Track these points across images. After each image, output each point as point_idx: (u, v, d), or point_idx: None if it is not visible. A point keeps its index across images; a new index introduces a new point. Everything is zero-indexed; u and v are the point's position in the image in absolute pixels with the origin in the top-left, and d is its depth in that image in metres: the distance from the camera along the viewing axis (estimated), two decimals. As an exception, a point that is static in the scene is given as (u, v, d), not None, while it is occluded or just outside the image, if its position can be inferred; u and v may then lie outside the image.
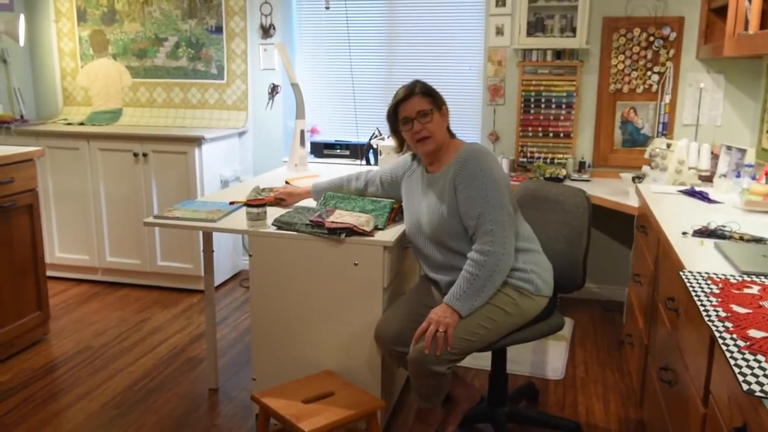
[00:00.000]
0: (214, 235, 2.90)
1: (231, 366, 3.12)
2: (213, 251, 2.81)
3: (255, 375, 2.51)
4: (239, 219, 2.49)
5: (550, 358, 3.20)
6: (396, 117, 2.28)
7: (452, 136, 2.33)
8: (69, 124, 4.44)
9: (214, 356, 2.89)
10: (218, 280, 4.16)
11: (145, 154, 3.98)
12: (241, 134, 4.38)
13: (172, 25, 4.37)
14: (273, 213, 2.52)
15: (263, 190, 2.74)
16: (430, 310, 2.26)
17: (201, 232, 3.26)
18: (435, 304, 2.28)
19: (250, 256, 2.40)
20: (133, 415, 2.68)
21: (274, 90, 4.33)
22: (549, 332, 2.31)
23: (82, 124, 4.47)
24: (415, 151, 2.34)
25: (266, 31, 4.26)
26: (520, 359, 3.14)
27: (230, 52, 4.31)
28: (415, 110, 2.22)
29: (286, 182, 3.21)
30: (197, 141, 3.91)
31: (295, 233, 2.33)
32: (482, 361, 3.03)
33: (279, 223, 2.37)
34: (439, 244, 2.23)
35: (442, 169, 2.26)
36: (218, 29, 4.30)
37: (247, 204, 2.38)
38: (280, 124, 4.39)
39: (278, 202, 2.66)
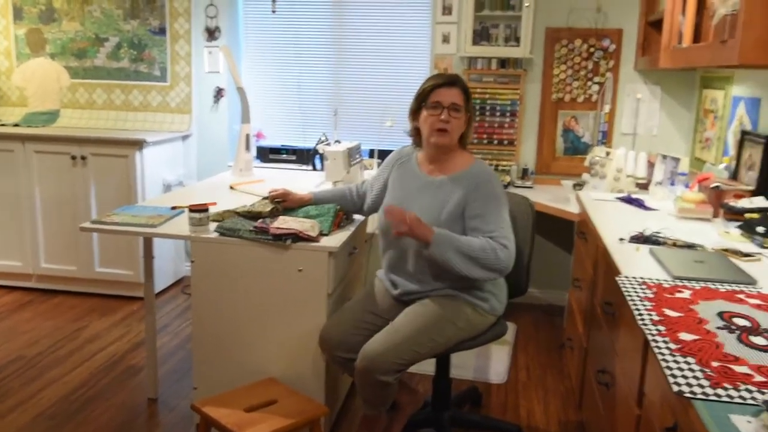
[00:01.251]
0: (156, 240, 2.83)
1: (171, 375, 3.05)
2: (153, 257, 2.74)
3: (196, 384, 2.46)
4: (181, 224, 2.44)
5: (493, 362, 3.24)
6: (426, 97, 2.21)
7: (464, 146, 2.30)
8: (3, 125, 4.27)
9: (154, 365, 2.82)
10: (159, 286, 4.07)
11: (83, 157, 3.87)
12: (184, 138, 4.30)
13: (114, 25, 4.26)
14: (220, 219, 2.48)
15: (265, 198, 2.61)
16: (375, 317, 2.27)
17: (141, 238, 3.18)
18: (380, 312, 2.28)
19: (192, 262, 2.36)
20: (69, 426, 2.58)
21: (219, 93, 4.27)
22: (493, 339, 2.34)
23: (16, 125, 4.31)
24: (426, 138, 2.24)
25: (211, 34, 4.19)
26: (463, 364, 3.17)
27: (174, 54, 4.23)
28: (451, 100, 2.17)
29: (231, 187, 3.17)
30: (139, 144, 3.82)
31: (238, 239, 2.30)
32: (426, 366, 3.04)
33: (222, 230, 2.33)
34: (421, 247, 2.17)
35: (446, 176, 2.23)
36: (161, 30, 4.21)
37: (190, 209, 2.34)
38: (225, 128, 4.33)
39: (276, 206, 2.50)
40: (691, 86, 3.74)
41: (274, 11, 4.10)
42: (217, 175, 3.68)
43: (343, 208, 2.51)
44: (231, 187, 3.17)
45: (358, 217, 2.61)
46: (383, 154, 3.95)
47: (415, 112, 2.28)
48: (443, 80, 2.21)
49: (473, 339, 2.25)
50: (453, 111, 2.18)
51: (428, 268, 2.19)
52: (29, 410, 2.70)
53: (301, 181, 3.36)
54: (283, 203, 2.52)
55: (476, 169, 2.21)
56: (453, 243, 2.05)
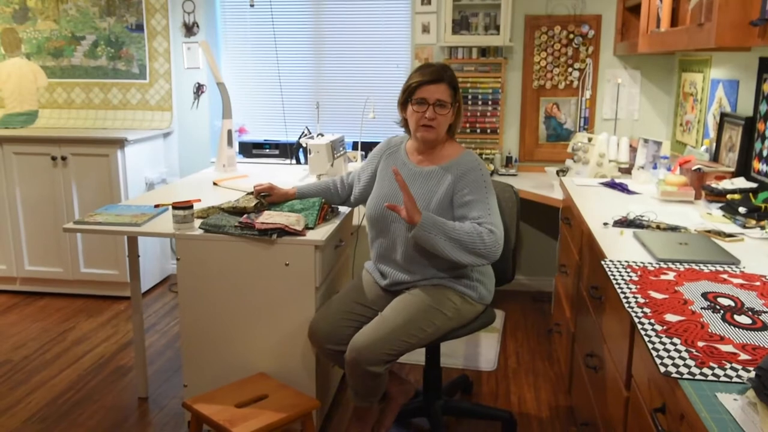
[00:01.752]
0: (140, 239, 2.81)
1: (161, 374, 3.03)
2: (139, 256, 2.72)
3: (186, 381, 2.45)
4: (165, 222, 2.43)
5: (483, 350, 3.26)
6: (412, 93, 2.20)
7: (452, 136, 2.31)
8: (-21, 127, 4.22)
9: (143, 364, 2.81)
10: (146, 285, 4.05)
11: (64, 158, 3.83)
12: (166, 135, 4.27)
13: (90, 23, 4.21)
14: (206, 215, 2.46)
15: (249, 194, 2.59)
16: (363, 308, 2.27)
17: (126, 237, 3.16)
18: (368, 303, 2.29)
19: (177, 259, 2.35)
20: (58, 429, 2.57)
21: (199, 89, 4.24)
22: (481, 327, 2.35)
23: (-6, 127, 4.25)
24: (413, 132, 2.25)
25: (189, 29, 4.16)
26: (453, 352, 3.18)
27: (152, 51, 4.19)
28: (436, 97, 2.17)
29: (214, 183, 3.15)
30: (119, 143, 3.78)
31: (224, 235, 2.29)
32: (416, 356, 3.05)
33: (207, 226, 2.32)
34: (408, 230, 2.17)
35: (435, 166, 2.23)
36: (139, 27, 4.17)
37: (174, 206, 2.32)
38: (207, 125, 4.30)
39: (260, 201, 2.48)
40: (670, 70, 3.77)
41: (252, 5, 4.07)
42: (200, 171, 3.66)
43: (328, 201, 2.51)
44: (214, 184, 3.16)
45: (343, 209, 2.61)
46: (367, 146, 3.95)
47: (403, 105, 2.28)
48: (428, 77, 2.19)
49: (462, 327, 2.26)
50: (439, 107, 2.18)
51: (417, 258, 2.20)
52: (18, 414, 2.68)
53: (285, 176, 3.35)
54: (268, 198, 2.51)
55: (465, 159, 2.22)
56: (440, 226, 2.05)
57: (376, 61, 4.15)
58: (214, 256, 2.32)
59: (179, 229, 2.32)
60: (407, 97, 2.24)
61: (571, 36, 3.82)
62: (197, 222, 2.37)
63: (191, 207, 2.34)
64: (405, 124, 2.32)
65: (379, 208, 2.28)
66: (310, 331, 2.27)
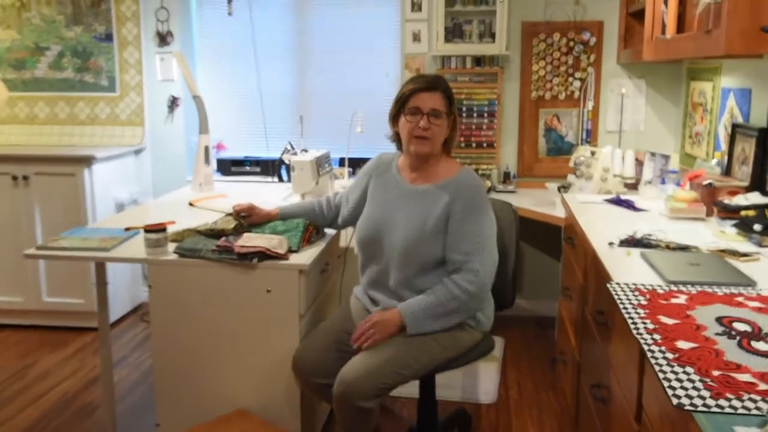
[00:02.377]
0: (109, 265, 2.79)
1: (131, 411, 3.00)
2: (107, 283, 2.70)
3: (159, 420, 2.43)
4: (137, 246, 2.41)
5: (482, 380, 3.24)
6: (405, 102, 2.22)
7: (448, 152, 2.32)
8: (-66, 145, 4.20)
9: (111, 401, 2.77)
10: (115, 315, 4.01)
11: (25, 177, 3.81)
12: (137, 152, 4.26)
13: (55, 33, 4.22)
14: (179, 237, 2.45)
15: (228, 215, 2.58)
16: (350, 337, 2.26)
17: (93, 263, 3.13)
18: (355, 331, 2.28)
19: (150, 287, 2.33)
20: (18, 475, 2.53)
21: (173, 103, 4.24)
22: (480, 356, 2.34)
23: (-50, 144, 4.23)
24: (405, 146, 2.26)
25: (163, 39, 4.17)
26: (450, 383, 3.17)
27: (122, 62, 4.19)
28: (430, 106, 2.18)
29: (190, 204, 3.14)
30: (87, 161, 3.77)
31: (200, 260, 2.28)
32: (410, 388, 3.02)
33: (182, 250, 2.31)
34: (407, 261, 2.20)
35: (430, 185, 2.24)
36: (108, 37, 4.18)
37: (146, 229, 2.31)
38: (182, 141, 4.30)
39: (240, 222, 2.48)
40: (678, 79, 3.81)
41: (230, 13, 4.09)
42: (174, 191, 3.64)
43: (313, 223, 2.51)
44: (190, 204, 3.15)
45: (329, 231, 2.60)
46: (354, 163, 3.95)
47: (394, 117, 2.29)
48: (423, 84, 2.21)
49: (460, 357, 2.26)
50: (433, 117, 2.19)
51: (411, 284, 2.20)
52: (-26, 459, 2.64)
53: (267, 195, 3.35)
54: (248, 219, 2.51)
55: (463, 178, 2.23)
56: (424, 315, 2.13)
57: (364, 71, 4.17)
58: (189, 283, 2.31)
59: (152, 254, 2.30)
60: (399, 107, 2.25)
61: (572, 44, 3.86)
62: (171, 246, 2.36)
63: (165, 230, 2.33)
64: (397, 138, 2.33)
65: (370, 231, 2.28)
66: (294, 362, 2.26)
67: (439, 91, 2.21)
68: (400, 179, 2.33)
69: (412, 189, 2.27)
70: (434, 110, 2.19)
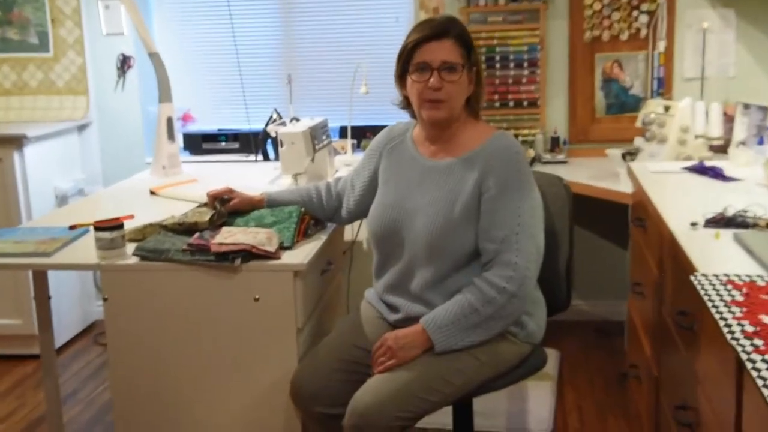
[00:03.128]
0: (52, 274, 2.80)
1: (88, 459, 3.03)
2: (50, 298, 2.72)
3: (123, 468, 2.45)
4: (86, 249, 2.42)
5: (532, 405, 3.25)
6: (409, 58, 2.22)
7: (475, 114, 2.31)
8: None
9: (63, 447, 2.80)
10: (62, 338, 4.04)
11: (-59, 166, 3.83)
12: (81, 128, 4.27)
13: (-31, -22, 4.23)
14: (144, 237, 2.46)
15: (202, 205, 2.60)
16: (364, 354, 2.27)
17: (30, 272, 3.15)
18: (368, 346, 2.28)
19: (105, 300, 2.34)
20: None
21: (124, 63, 4.25)
22: (529, 374, 2.34)
23: None
24: (417, 112, 2.27)
25: (108, -19, 4.18)
26: (491, 410, 3.17)
27: (56, 12, 4.20)
28: (441, 59, 2.17)
29: (152, 192, 3.16)
30: (16, 141, 3.79)
31: (167, 263, 2.29)
32: (441, 417, 3.03)
33: (144, 252, 2.32)
34: (433, 256, 2.20)
35: (455, 158, 2.24)
36: (36, -20, 4.19)
37: (96, 227, 2.32)
38: (138, 112, 4.31)
39: (218, 210, 2.49)
40: (777, 6, 3.77)
41: (193, -56, 4.09)
42: (131, 177, 3.66)
43: (310, 213, 2.52)
44: (152, 193, 3.16)
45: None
46: (359, 133, 3.95)
47: (401, 77, 2.29)
48: (428, 31, 2.21)
49: (502, 376, 2.26)
50: (446, 72, 2.19)
51: (441, 286, 2.20)
52: None
53: (250, 177, 3.35)
54: (228, 205, 2.52)
55: (495, 145, 2.22)
56: (454, 327, 2.12)
57: (368, 16, 4.17)
58: (154, 293, 2.31)
59: (105, 258, 2.31)
60: (404, 65, 2.25)
61: (635, -34, 3.83)
62: (130, 247, 2.37)
63: (121, 226, 2.33)
64: (407, 104, 2.33)
65: (386, 222, 2.28)
66: (293, 388, 2.27)
67: (450, 37, 2.20)
68: (417, 154, 2.33)
69: (434, 165, 2.27)
70: (446, 63, 2.18)
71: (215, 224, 2.45)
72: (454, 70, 2.19)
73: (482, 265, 2.18)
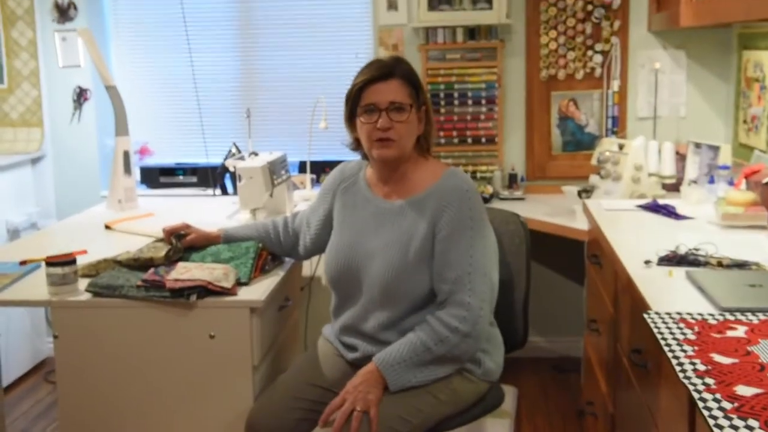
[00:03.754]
0: (0, 311, 2.76)
1: (37, 500, 2.96)
2: None
3: None
4: (36, 285, 2.39)
5: (490, 443, 3.24)
6: (357, 100, 2.23)
7: (427, 151, 2.31)
8: None
9: (10, 488, 2.74)
10: (10, 376, 3.95)
11: None
12: (35, 161, 4.23)
13: (-77, 9, 4.19)
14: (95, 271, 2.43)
15: (158, 241, 2.58)
16: (322, 392, 2.25)
17: (-19, 308, 3.11)
18: (328, 384, 2.27)
19: (55, 337, 2.31)
20: None
21: (81, 96, 4.22)
22: (487, 411, 2.34)
23: None
24: (367, 153, 2.28)
25: (64, 13, 4.15)
26: (449, 449, 3.16)
27: (11, 44, 4.17)
28: (388, 99, 2.19)
29: (107, 227, 3.12)
30: (-31, 174, 3.74)
31: (121, 299, 2.26)
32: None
33: (97, 288, 2.29)
34: (389, 298, 2.20)
35: (408, 198, 2.25)
36: (-9, 11, 4.16)
37: (48, 262, 2.29)
38: (94, 145, 4.28)
39: (174, 245, 2.48)
40: (727, 48, 3.85)
41: (152, -22, 4.09)
42: (85, 210, 3.62)
43: (267, 249, 2.51)
44: (107, 227, 3.12)
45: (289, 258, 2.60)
46: (318, 168, 3.95)
47: (350, 119, 2.31)
48: (375, 72, 2.23)
49: (461, 414, 2.25)
50: (394, 112, 2.20)
51: (397, 327, 2.20)
52: None
53: (208, 212, 3.33)
54: (185, 240, 2.50)
55: (445, 185, 2.23)
56: (405, 365, 2.11)
57: (328, 51, 4.19)
58: (107, 330, 2.29)
59: (57, 294, 2.28)
60: (353, 107, 2.27)
61: (590, 7, 3.90)
62: (83, 283, 2.34)
63: (74, 262, 2.31)
64: (357, 145, 2.34)
65: (342, 266, 2.29)
66: (248, 427, 2.24)
67: (396, 77, 2.22)
68: (371, 195, 2.33)
69: (388, 207, 2.28)
70: (393, 104, 2.20)
71: (171, 260, 2.43)
72: (402, 109, 2.20)
73: (437, 305, 2.18)
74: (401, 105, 2.20)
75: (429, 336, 2.12)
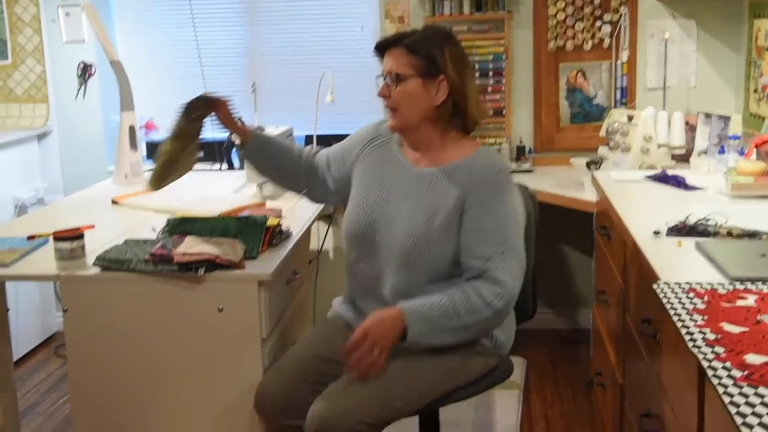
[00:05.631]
0: (9, 285, 2.77)
1: (48, 473, 3.00)
2: (8, 309, 2.69)
3: (84, 483, 2.42)
4: (45, 259, 2.40)
5: (499, 414, 3.26)
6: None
7: (459, 127, 2.29)
8: None
9: (22, 462, 2.77)
10: (21, 350, 3.99)
11: None
12: (41, 137, 4.24)
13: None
14: (100, 245, 2.43)
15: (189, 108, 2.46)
16: (330, 365, 2.26)
17: (-11, 283, 3.13)
18: (337, 357, 2.28)
19: (65, 311, 2.32)
20: None
21: (86, 71, 4.21)
22: (496, 383, 2.35)
23: None
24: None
25: (68, -13, 4.14)
26: (458, 419, 3.18)
27: (14, 20, 4.16)
28: (387, 69, 2.22)
29: (114, 202, 3.13)
30: (-25, 150, 3.75)
31: (129, 273, 2.27)
32: (407, 428, 3.04)
33: (105, 262, 2.30)
34: (407, 265, 2.20)
35: (435, 168, 2.24)
36: (-6, -14, 4.15)
37: (56, 237, 2.30)
38: (99, 120, 4.28)
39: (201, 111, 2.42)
40: (737, 17, 3.82)
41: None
42: (91, 186, 3.62)
43: (285, 174, 2.48)
44: (114, 202, 3.13)
45: (297, 229, 2.60)
46: (325, 141, 3.93)
47: None
48: (381, 42, 2.28)
49: (469, 385, 2.26)
50: (393, 82, 2.21)
51: (413, 294, 2.19)
52: None
53: (215, 186, 3.34)
54: (216, 108, 2.44)
55: (478, 161, 2.22)
56: (431, 323, 2.09)
57: (334, 24, 4.17)
58: (116, 304, 2.30)
59: (65, 269, 2.29)
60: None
61: (598, -23, 3.87)
62: (91, 257, 2.35)
63: (81, 236, 2.32)
64: None
65: (362, 224, 2.27)
66: (257, 399, 2.26)
67: (400, 46, 2.22)
68: (402, 158, 2.32)
69: (417, 173, 2.27)
70: (391, 73, 2.21)
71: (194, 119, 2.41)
72: (403, 80, 2.20)
73: (466, 280, 2.16)
74: (402, 76, 2.20)
75: (462, 302, 2.10)
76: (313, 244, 3.15)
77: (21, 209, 4.01)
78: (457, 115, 2.26)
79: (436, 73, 2.20)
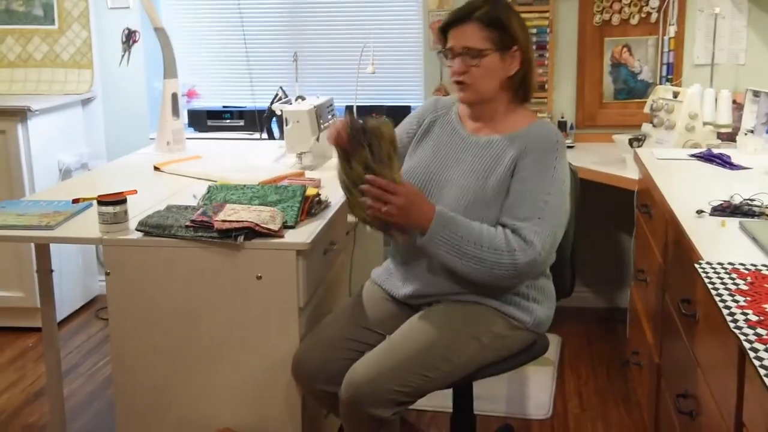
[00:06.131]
0: (54, 248, 2.81)
1: (88, 433, 3.05)
2: (52, 271, 2.73)
3: (122, 443, 2.46)
4: (89, 223, 2.43)
5: (533, 390, 3.26)
6: (445, 40, 2.27)
7: (521, 98, 2.31)
8: None
9: (62, 421, 2.82)
10: (63, 311, 4.06)
11: (-57, 137, 3.84)
12: (85, 102, 4.28)
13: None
14: (142, 211, 2.46)
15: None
16: (367, 333, 2.29)
17: (33, 245, 3.16)
18: (373, 325, 2.30)
19: (107, 274, 2.35)
20: None
21: (130, 38, 4.24)
22: (531, 359, 2.35)
23: None
24: (452, 91, 2.31)
25: (114, -46, 4.16)
26: (491, 394, 3.19)
27: (62, -15, 4.19)
28: (461, 44, 2.21)
29: (156, 168, 3.16)
30: (20, 114, 3.79)
31: (170, 239, 2.30)
32: (440, 399, 3.05)
33: (147, 227, 2.32)
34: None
35: (498, 135, 2.26)
36: (42, -49, 4.18)
37: (100, 201, 2.33)
38: (143, 87, 4.31)
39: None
40: (790, -7, 3.75)
41: None
42: (135, 152, 3.66)
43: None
44: (156, 168, 3.16)
45: (335, 200, 2.60)
46: (366, 111, 3.94)
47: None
48: (452, 16, 2.25)
49: (504, 360, 2.27)
50: (468, 57, 2.20)
51: None
52: None
53: (255, 155, 3.35)
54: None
55: (537, 131, 2.24)
56: (461, 239, 2.08)
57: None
58: (157, 269, 2.32)
59: (108, 233, 2.32)
60: (444, 42, 2.30)
61: (647, -50, 3.81)
62: (133, 222, 2.38)
63: (124, 201, 2.34)
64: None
65: (415, 184, 2.25)
66: (295, 366, 2.28)
67: (473, 21, 2.20)
68: (459, 127, 2.35)
69: (473, 140, 2.29)
70: (466, 48, 2.20)
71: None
72: (478, 55, 2.20)
73: None
74: (477, 50, 2.20)
75: (489, 237, 2.10)
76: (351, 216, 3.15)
77: (65, 173, 4.07)
78: (522, 85, 2.29)
79: (511, 45, 2.22)
